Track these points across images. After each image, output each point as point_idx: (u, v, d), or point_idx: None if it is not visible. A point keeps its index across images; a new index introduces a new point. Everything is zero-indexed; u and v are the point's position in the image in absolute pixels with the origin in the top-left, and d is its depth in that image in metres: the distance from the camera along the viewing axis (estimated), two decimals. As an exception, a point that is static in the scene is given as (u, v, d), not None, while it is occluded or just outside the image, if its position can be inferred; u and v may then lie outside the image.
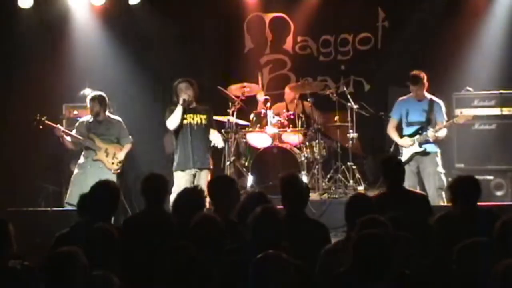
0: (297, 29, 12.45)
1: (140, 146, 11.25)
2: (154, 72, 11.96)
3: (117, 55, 11.89)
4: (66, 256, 4.41)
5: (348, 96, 10.58)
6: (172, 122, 9.26)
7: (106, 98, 9.76)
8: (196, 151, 9.23)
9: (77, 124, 9.83)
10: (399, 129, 9.67)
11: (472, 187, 6.08)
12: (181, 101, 9.21)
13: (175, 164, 9.36)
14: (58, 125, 9.59)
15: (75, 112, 9.79)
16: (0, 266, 4.72)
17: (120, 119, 9.94)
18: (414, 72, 9.48)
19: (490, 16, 11.35)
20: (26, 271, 4.84)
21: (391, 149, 9.72)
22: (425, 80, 9.43)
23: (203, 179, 9.14)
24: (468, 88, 10.66)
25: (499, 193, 10.29)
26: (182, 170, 9.26)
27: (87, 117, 9.77)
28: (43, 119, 9.51)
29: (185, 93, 9.24)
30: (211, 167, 9.45)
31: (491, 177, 10.34)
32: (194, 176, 9.28)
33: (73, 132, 9.66)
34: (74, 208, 7.17)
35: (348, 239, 5.09)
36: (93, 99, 9.66)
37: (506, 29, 11.25)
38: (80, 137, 9.59)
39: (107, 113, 9.78)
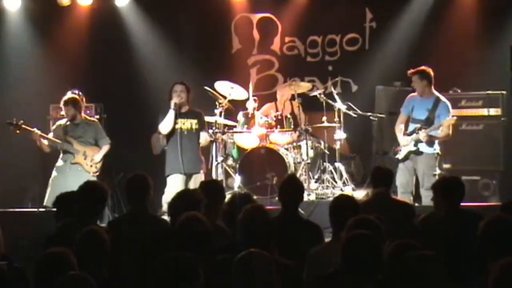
0: (284, 30, 12.48)
1: (129, 147, 11.28)
2: (141, 73, 11.99)
3: (104, 55, 11.92)
4: (57, 257, 4.43)
5: (336, 97, 10.63)
6: (165, 126, 9.34)
7: (80, 99, 9.71)
8: (186, 156, 9.26)
9: (54, 127, 9.78)
10: (407, 125, 9.64)
11: (456, 188, 6.13)
12: (172, 105, 9.27)
13: (166, 167, 9.41)
14: (35, 129, 9.45)
15: (62, 112, 9.73)
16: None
17: (96, 120, 9.94)
18: (423, 67, 9.45)
19: (477, 17, 11.42)
20: (14, 272, 4.85)
21: (395, 146, 9.69)
22: (431, 77, 9.43)
23: (196, 183, 9.13)
24: (455, 88, 10.73)
25: (486, 193, 10.36)
26: (174, 174, 9.30)
27: (63, 120, 9.70)
28: (19, 123, 9.39)
29: (178, 96, 9.29)
30: (203, 171, 9.46)
31: (478, 178, 10.42)
32: (186, 179, 9.31)
33: (50, 135, 9.60)
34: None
35: (335, 240, 5.14)
36: (66, 103, 9.57)
37: (493, 31, 11.31)
38: (58, 141, 9.52)
39: (83, 114, 9.75)
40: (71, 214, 5.98)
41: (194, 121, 9.42)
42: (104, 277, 4.71)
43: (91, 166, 9.57)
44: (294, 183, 6.27)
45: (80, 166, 9.55)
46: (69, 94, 9.78)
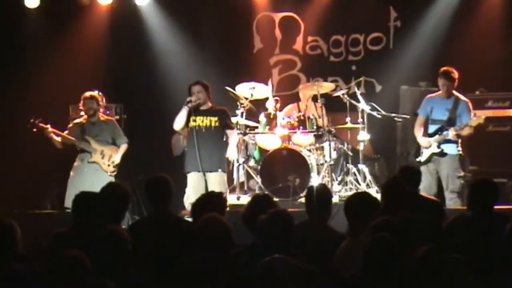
0: (307, 29, 12.43)
1: (149, 148, 11.29)
2: (162, 73, 11.98)
3: (124, 55, 11.93)
4: (72, 260, 4.44)
5: (359, 97, 10.58)
6: (177, 123, 9.37)
7: (101, 96, 9.75)
8: (203, 153, 9.20)
9: (70, 125, 9.79)
10: (426, 127, 9.58)
11: (489, 191, 6.06)
12: (186, 102, 9.26)
13: (186, 165, 9.42)
14: (48, 126, 9.50)
15: (82, 113, 9.75)
16: (4, 269, 4.73)
17: (113, 119, 9.95)
18: (447, 68, 9.40)
19: (504, 16, 11.33)
20: (31, 274, 4.85)
21: (415, 149, 9.64)
22: (456, 77, 9.36)
23: (214, 181, 9.11)
24: (482, 89, 10.64)
25: (513, 196, 10.26)
26: (193, 172, 9.28)
27: (80, 119, 9.73)
28: (37, 122, 9.44)
29: (195, 95, 9.28)
30: (222, 169, 9.38)
31: (505, 180, 10.31)
32: (205, 178, 9.25)
33: (65, 133, 9.59)
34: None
35: (355, 242, 5.10)
36: (89, 97, 9.61)
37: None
38: (72, 138, 9.54)
39: (100, 113, 9.76)
40: (87, 214, 5.96)
41: (214, 119, 9.36)
42: (125, 280, 4.70)
43: (109, 165, 9.59)
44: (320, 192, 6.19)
45: (97, 165, 9.57)
46: (90, 91, 9.80)
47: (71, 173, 9.60)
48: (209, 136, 9.33)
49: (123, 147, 9.75)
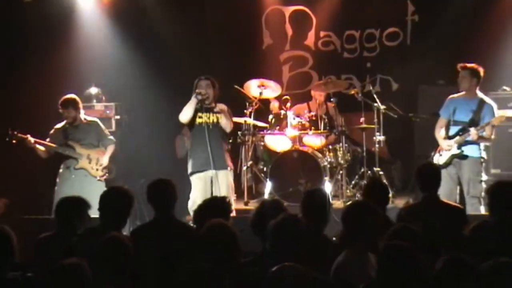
0: (319, 24, 12.46)
1: (151, 150, 11.28)
2: (166, 70, 11.96)
3: (126, 52, 11.89)
4: (72, 268, 4.46)
5: (375, 96, 10.58)
6: (184, 113, 9.11)
7: (78, 99, 9.62)
8: (215, 151, 9.09)
9: (51, 132, 9.61)
10: (447, 128, 9.54)
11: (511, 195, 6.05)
12: (195, 93, 9.06)
13: (190, 166, 9.18)
14: (28, 136, 9.33)
15: (62, 113, 9.66)
16: (0, 277, 4.77)
17: (97, 119, 9.82)
18: (475, 64, 9.34)
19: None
20: (27, 282, 4.88)
21: (434, 152, 9.62)
22: (481, 77, 9.26)
23: (223, 180, 9.05)
24: (504, 87, 10.62)
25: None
26: (199, 172, 9.13)
27: (61, 123, 9.58)
28: (15, 132, 9.28)
29: (204, 89, 9.13)
30: (231, 167, 9.27)
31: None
32: (212, 178, 9.17)
33: (47, 141, 9.46)
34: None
35: (352, 254, 5.09)
36: (65, 105, 9.44)
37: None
38: (54, 145, 9.41)
39: (82, 115, 9.63)
40: (69, 222, 6.02)
41: (220, 116, 9.26)
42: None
43: (97, 169, 9.51)
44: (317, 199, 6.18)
45: (85, 171, 9.48)
46: (67, 95, 9.64)
47: (57, 180, 9.51)
48: (216, 133, 9.25)
49: (110, 148, 9.66)
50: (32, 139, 9.33)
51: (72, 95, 9.63)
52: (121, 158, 10.20)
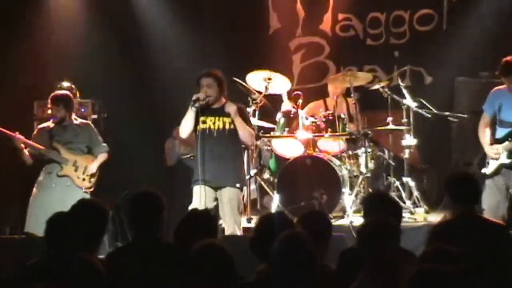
0: (337, 4, 12.48)
1: (136, 156, 11.29)
2: (156, 63, 11.99)
3: (104, 40, 11.91)
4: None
5: (404, 91, 10.55)
6: (183, 128, 9.10)
7: (73, 98, 9.66)
8: (214, 164, 8.99)
9: (34, 133, 9.65)
10: (493, 128, 9.48)
11: None
12: (192, 101, 9.01)
13: (194, 175, 9.06)
14: (17, 133, 9.36)
15: (50, 111, 9.69)
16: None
17: (90, 123, 9.84)
18: (508, 58, 9.30)
19: None
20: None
21: (478, 158, 9.57)
22: None
23: (226, 198, 8.93)
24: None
25: None
26: (198, 185, 9.01)
27: (46, 123, 9.61)
28: None
29: (204, 91, 9.08)
30: (241, 184, 9.11)
31: None
32: (215, 194, 9.04)
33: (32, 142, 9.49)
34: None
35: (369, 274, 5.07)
36: (56, 101, 9.47)
37: None
38: (42, 147, 9.41)
39: (73, 116, 9.64)
40: (63, 241, 5.97)
41: (228, 120, 9.16)
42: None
43: (84, 179, 9.50)
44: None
45: (69, 180, 9.46)
46: (60, 90, 9.74)
47: (34, 189, 9.47)
48: (222, 141, 9.15)
49: (102, 157, 9.66)
50: (21, 137, 9.35)
51: (66, 92, 9.74)
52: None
